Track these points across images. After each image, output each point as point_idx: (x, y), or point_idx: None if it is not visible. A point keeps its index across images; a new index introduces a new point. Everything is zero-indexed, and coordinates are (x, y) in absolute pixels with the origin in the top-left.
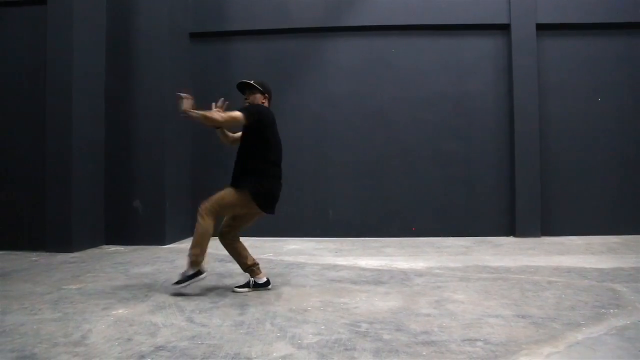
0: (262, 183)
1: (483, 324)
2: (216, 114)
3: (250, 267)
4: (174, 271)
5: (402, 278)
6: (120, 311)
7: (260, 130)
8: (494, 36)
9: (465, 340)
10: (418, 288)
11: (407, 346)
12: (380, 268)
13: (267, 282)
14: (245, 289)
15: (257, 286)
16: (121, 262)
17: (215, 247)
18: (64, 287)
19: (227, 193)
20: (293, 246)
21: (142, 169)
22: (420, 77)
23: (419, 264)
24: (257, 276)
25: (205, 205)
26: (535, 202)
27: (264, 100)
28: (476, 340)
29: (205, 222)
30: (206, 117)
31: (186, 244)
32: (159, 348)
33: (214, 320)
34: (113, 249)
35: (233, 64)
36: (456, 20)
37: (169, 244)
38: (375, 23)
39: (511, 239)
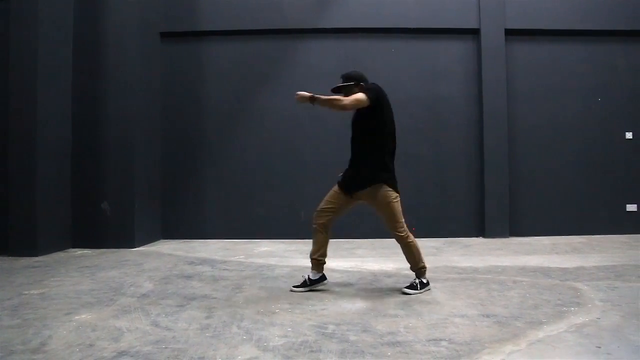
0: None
1: (448, 323)
2: (342, 98)
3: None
4: (141, 275)
5: (372, 279)
6: (83, 316)
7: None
8: (464, 40)
9: (430, 340)
10: (387, 289)
11: (372, 347)
12: (350, 269)
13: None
14: (302, 288)
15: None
16: (88, 265)
17: (186, 249)
18: (25, 292)
19: (390, 200)
20: (264, 248)
21: (111, 169)
22: (392, 79)
23: (389, 265)
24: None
25: (401, 226)
26: (504, 204)
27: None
28: (441, 340)
29: (410, 238)
30: (331, 102)
31: (156, 247)
32: (122, 353)
33: (180, 323)
34: (80, 252)
35: (205, 64)
36: (428, 24)
37: (138, 246)
38: (349, 25)
39: (480, 239)
